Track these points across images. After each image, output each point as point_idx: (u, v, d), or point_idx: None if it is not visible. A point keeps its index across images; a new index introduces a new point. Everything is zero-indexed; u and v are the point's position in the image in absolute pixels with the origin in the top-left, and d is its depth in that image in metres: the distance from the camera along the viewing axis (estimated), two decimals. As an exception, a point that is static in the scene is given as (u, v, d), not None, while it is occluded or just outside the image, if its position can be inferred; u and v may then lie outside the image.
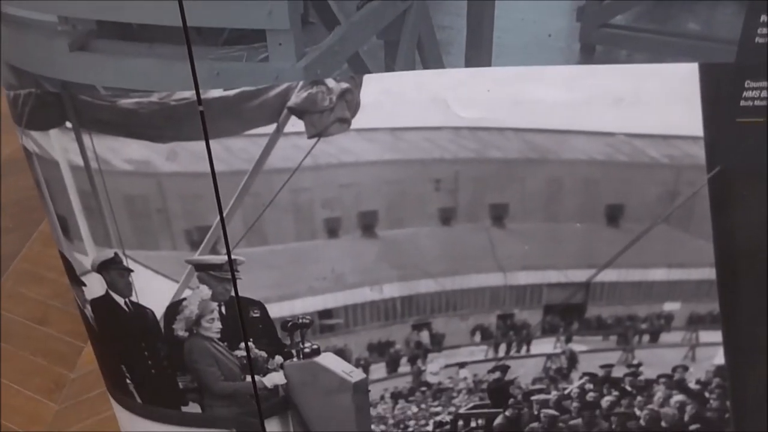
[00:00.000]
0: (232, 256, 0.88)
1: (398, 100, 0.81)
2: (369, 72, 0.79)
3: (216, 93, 0.78)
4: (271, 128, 0.81)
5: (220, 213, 0.85)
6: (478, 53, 0.78)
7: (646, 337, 0.98)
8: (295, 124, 0.81)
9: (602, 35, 0.75)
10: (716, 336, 0.96)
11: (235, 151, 0.82)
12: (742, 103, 0.79)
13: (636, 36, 0.75)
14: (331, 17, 0.75)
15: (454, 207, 0.89)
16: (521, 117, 0.82)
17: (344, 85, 0.79)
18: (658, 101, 0.80)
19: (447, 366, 1.01)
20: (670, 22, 0.75)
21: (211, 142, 0.80)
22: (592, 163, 0.85)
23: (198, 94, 0.77)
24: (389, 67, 0.79)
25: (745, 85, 0.78)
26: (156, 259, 0.89)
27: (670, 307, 0.95)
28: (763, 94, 0.78)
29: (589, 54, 0.77)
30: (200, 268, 0.89)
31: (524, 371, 1.02)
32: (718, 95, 0.79)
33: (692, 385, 1.01)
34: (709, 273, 0.91)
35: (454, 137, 0.84)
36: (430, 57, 0.78)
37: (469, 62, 0.78)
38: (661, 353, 0.99)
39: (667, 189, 0.86)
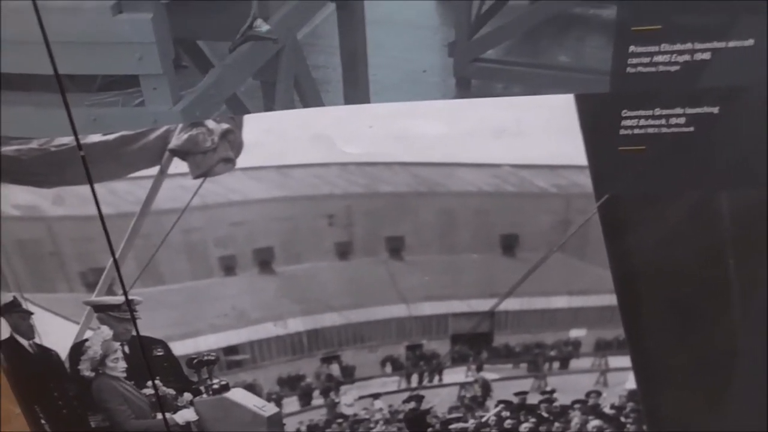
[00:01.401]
0: (129, 297, 0.88)
1: (281, 139, 0.81)
2: (249, 112, 0.79)
3: (96, 138, 0.78)
4: (155, 170, 0.81)
5: (113, 255, 0.85)
6: (356, 90, 0.78)
7: (556, 364, 0.98)
8: (179, 166, 0.81)
9: (475, 69, 0.76)
10: (625, 361, 0.96)
11: (120, 193, 0.82)
12: (622, 131, 0.79)
13: (509, 69, 0.76)
14: (204, 61, 0.76)
15: (350, 241, 0.89)
16: (406, 151, 0.82)
17: (225, 125, 0.80)
18: (539, 132, 0.80)
19: (361, 397, 1.01)
20: (540, 56, 0.75)
21: (95, 185, 0.81)
22: (482, 194, 0.85)
23: (77, 139, 0.78)
24: (268, 107, 0.79)
25: (623, 114, 0.78)
26: (54, 301, 0.89)
27: (576, 333, 0.95)
28: (642, 122, 0.78)
29: (465, 88, 0.78)
30: (99, 309, 0.89)
31: (439, 400, 1.02)
32: (597, 125, 0.79)
33: (607, 410, 1.01)
34: (611, 299, 0.90)
35: (342, 173, 0.84)
36: (308, 95, 0.78)
37: (348, 99, 0.79)
38: (573, 379, 0.99)
39: (558, 218, 0.86)
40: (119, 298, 0.88)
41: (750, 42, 0.73)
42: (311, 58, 0.76)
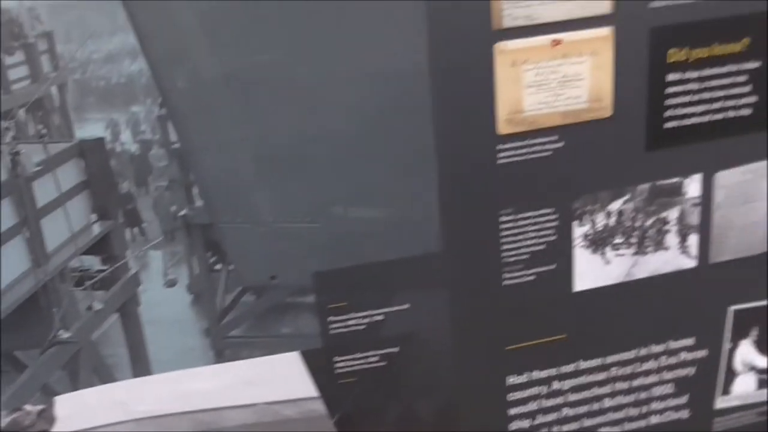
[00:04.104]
0: None
1: (86, 408, 1.08)
2: (58, 395, 1.05)
3: (-66, 432, 1.01)
4: (-16, 448, 1.04)
5: None
6: (141, 368, 1.06)
7: None
8: (5, 442, 1.05)
9: (227, 344, 1.07)
10: None
11: (-43, 470, 1.04)
12: (337, 371, 1.11)
13: (251, 341, 1.07)
14: (19, 364, 1.02)
15: (152, 475, 1.14)
16: (184, 404, 1.10)
17: (40, 406, 1.05)
18: (279, 379, 1.11)
19: None
20: (270, 329, 1.07)
21: (-65, 468, 1.03)
22: (246, 427, 1.14)
23: None
24: (75, 388, 1.06)
25: (334, 360, 1.11)
26: None
27: None
28: (350, 363, 1.11)
29: (221, 356, 1.08)
30: None
31: None
32: (319, 369, 1.11)
33: None
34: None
35: (137, 426, 1.11)
36: (104, 377, 1.06)
37: (137, 374, 1.07)
38: None
39: (307, 435, 1.16)
40: None
41: (407, 306, 1.09)
42: (104, 350, 1.04)
